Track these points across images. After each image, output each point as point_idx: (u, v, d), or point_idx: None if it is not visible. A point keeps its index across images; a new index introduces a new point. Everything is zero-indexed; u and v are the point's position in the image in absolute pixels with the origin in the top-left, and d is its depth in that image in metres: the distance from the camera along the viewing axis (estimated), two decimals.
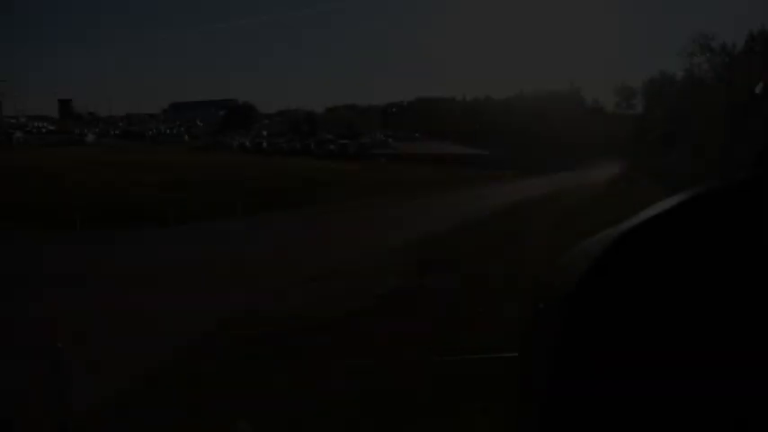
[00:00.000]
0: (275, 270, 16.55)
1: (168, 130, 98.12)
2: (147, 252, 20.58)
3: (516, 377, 0.79)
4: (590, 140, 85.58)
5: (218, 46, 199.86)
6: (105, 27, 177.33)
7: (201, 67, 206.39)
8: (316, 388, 7.89)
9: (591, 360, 0.61)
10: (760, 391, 0.56)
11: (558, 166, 68.49)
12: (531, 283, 0.84)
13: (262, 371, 8.48)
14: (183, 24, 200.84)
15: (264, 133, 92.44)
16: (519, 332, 0.83)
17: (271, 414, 7.05)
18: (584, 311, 0.62)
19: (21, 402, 7.31)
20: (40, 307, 12.40)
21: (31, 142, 66.14)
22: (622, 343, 0.60)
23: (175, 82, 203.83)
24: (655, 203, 0.63)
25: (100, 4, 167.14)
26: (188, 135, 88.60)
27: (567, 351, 0.62)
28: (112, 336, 10.76)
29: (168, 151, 61.02)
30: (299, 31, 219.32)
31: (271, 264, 17.38)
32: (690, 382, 0.58)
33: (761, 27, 54.42)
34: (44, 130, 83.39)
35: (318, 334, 10.39)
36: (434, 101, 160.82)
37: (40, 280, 15.13)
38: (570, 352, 0.62)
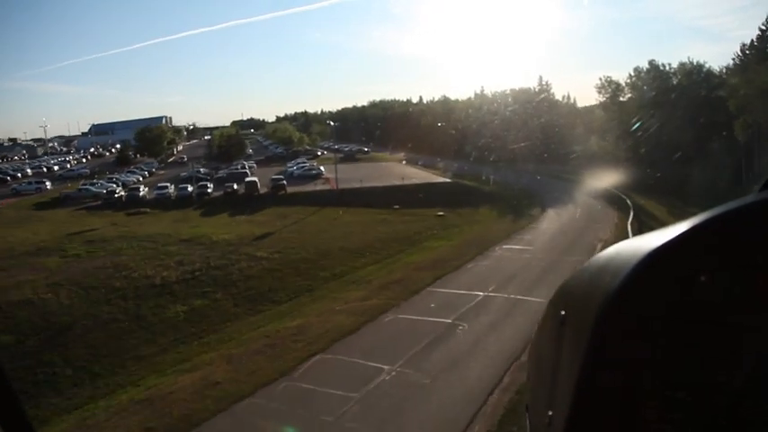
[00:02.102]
0: None
1: (56, 166, 76.44)
2: None
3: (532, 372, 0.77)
4: (573, 144, 67.26)
5: (163, 57, 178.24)
6: (34, 43, 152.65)
7: (136, 81, 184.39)
8: None
9: (623, 373, 0.60)
10: None
11: (542, 191, 49.55)
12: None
13: None
14: (118, 35, 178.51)
15: (155, 165, 71.21)
16: (535, 334, 0.80)
17: None
18: (618, 325, 0.61)
19: None
20: None
21: None
22: (656, 362, 0.59)
23: (109, 98, 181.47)
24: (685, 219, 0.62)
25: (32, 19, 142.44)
26: (59, 173, 66.84)
27: (599, 363, 0.61)
28: None
29: None
30: (247, 39, 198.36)
31: None
32: (723, 404, 0.57)
33: None
34: None
35: None
36: (389, 104, 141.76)
37: None
38: (603, 365, 0.61)
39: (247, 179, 48.67)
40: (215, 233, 34.50)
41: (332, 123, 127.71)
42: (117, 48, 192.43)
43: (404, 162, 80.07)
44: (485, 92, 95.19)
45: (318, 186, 51.25)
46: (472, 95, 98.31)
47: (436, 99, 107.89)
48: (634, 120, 60.14)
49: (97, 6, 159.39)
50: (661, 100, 58.77)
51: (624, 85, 62.55)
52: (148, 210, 43.08)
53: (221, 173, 58.86)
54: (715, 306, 0.58)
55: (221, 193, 48.53)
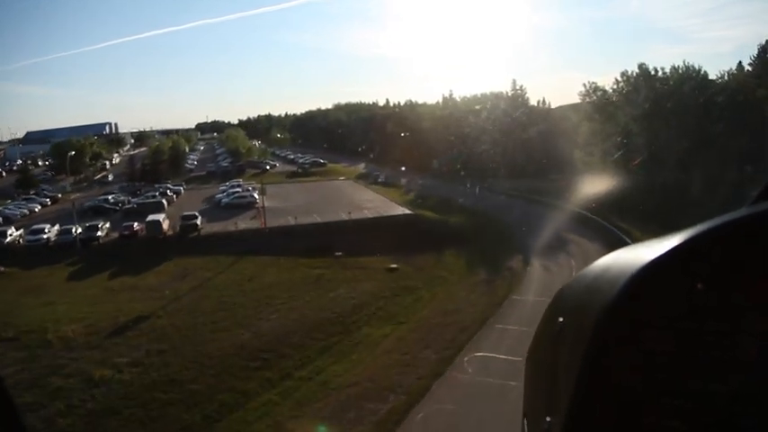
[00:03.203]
0: None
1: None
2: None
3: (529, 378, 0.76)
4: (553, 157, 57.72)
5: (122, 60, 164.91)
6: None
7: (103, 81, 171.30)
8: None
9: (622, 381, 0.60)
10: None
11: (522, 223, 39.32)
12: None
13: None
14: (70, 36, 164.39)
15: (66, 187, 58.67)
16: (533, 341, 0.78)
17: None
18: (617, 334, 0.61)
19: None
20: None
21: None
22: (654, 369, 0.59)
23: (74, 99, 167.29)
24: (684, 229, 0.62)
25: None
26: None
27: (597, 370, 0.61)
28: None
29: None
30: (214, 40, 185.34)
31: None
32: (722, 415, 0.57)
33: None
34: None
35: None
36: (353, 107, 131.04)
37: None
38: (601, 372, 0.61)
39: (150, 218, 37.08)
40: (63, 319, 23.23)
41: (279, 136, 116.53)
42: (82, 47, 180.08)
43: (361, 173, 69.53)
44: (454, 96, 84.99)
45: (245, 223, 40.08)
46: (440, 99, 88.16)
47: (403, 103, 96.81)
48: (625, 130, 50.77)
49: (68, 5, 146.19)
50: (656, 109, 49.29)
51: (611, 91, 52.91)
52: (2, 268, 31.39)
53: (134, 202, 47.26)
54: (711, 314, 0.58)
55: (118, 235, 37.11)
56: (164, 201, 45.74)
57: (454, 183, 60.17)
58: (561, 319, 0.71)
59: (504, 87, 74.84)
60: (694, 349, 0.58)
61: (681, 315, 0.59)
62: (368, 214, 41.15)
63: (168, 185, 54.21)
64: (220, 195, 48.09)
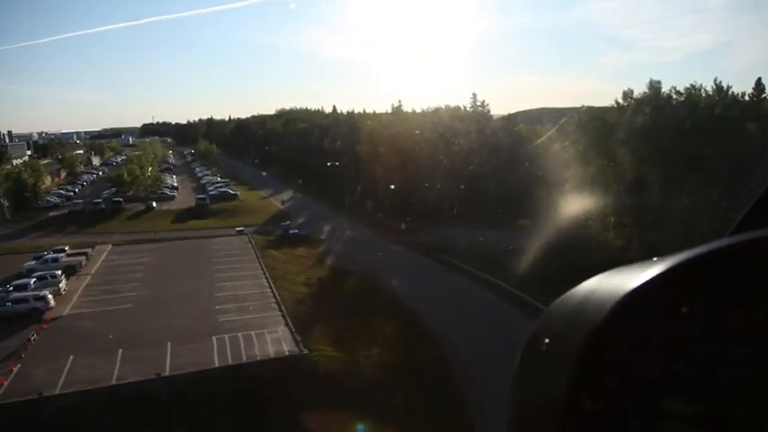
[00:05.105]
0: None
1: None
2: None
3: (513, 402, 0.76)
4: (530, 194, 40.52)
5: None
6: None
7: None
8: None
9: (607, 403, 0.60)
10: None
11: (491, 356, 21.73)
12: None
13: None
14: None
15: None
16: (518, 362, 0.78)
17: None
18: (602, 357, 0.61)
19: None
20: None
21: None
22: (638, 393, 0.59)
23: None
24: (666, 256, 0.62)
25: None
26: None
27: (582, 393, 0.61)
28: None
29: None
30: (164, 38, 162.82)
31: None
32: None
33: None
34: None
35: None
36: (296, 114, 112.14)
37: None
38: (586, 395, 0.61)
39: None
40: None
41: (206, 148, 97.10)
42: (23, 41, 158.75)
43: (276, 212, 50.79)
44: (403, 106, 66.92)
45: None
46: (389, 109, 69.95)
47: (357, 113, 77.83)
48: (638, 172, 33.87)
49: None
50: (679, 143, 32.25)
51: (614, 116, 35.72)
52: None
53: None
54: (695, 340, 0.58)
55: None
56: None
57: (395, 235, 42.70)
58: (547, 341, 0.69)
59: (462, 99, 57.67)
60: (679, 373, 0.58)
61: (665, 340, 0.59)
62: (213, 356, 22.47)
63: None
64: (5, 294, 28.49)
